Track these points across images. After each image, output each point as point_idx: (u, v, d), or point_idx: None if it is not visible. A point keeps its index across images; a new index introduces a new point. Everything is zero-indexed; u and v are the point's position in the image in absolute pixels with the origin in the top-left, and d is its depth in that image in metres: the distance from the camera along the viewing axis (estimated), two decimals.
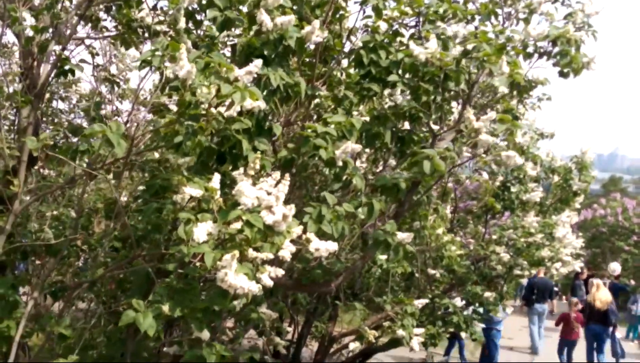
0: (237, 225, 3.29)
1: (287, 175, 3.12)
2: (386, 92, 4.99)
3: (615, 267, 14.60)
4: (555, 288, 14.96)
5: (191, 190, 3.30)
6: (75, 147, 3.84)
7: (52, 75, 4.38)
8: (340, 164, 3.95)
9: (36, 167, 6.19)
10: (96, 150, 3.74)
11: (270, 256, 3.24)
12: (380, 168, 6.24)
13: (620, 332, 13.07)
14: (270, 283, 3.30)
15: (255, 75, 3.46)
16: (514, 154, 4.29)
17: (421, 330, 5.84)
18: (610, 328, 11.64)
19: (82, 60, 4.56)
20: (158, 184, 3.58)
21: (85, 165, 4.12)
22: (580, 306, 11.88)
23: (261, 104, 3.53)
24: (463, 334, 8.36)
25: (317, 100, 4.88)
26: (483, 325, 10.25)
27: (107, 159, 3.96)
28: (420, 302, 6.05)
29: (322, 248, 3.17)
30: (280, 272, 3.43)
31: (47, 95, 5.88)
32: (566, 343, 11.81)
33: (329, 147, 3.92)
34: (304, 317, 8.65)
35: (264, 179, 3.29)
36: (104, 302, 4.84)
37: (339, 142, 4.04)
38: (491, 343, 10.90)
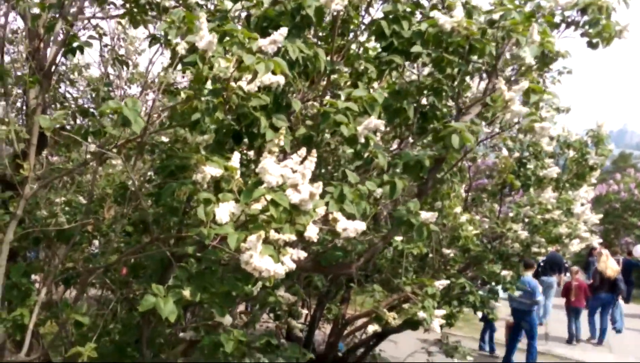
0: (259, 206, 3.13)
1: (313, 152, 2.93)
2: (406, 65, 4.78)
3: (638, 249, 14.61)
4: (566, 264, 14.84)
5: (211, 169, 3.12)
6: (86, 128, 3.67)
7: (60, 54, 4.20)
8: (362, 140, 3.76)
9: (44, 154, 6.01)
10: (108, 131, 3.58)
11: (293, 237, 3.07)
12: (395, 146, 6.05)
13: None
14: (292, 266, 3.13)
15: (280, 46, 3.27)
16: (548, 126, 4.10)
17: (442, 312, 5.68)
18: (615, 296, 12.19)
19: (91, 37, 4.37)
20: (174, 164, 3.40)
21: (95, 148, 3.95)
22: (580, 275, 12.12)
23: (280, 79, 3.33)
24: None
25: (334, 76, 4.67)
26: (523, 306, 10.07)
27: (119, 140, 3.79)
28: (441, 283, 5.88)
29: (350, 227, 2.99)
30: (302, 254, 3.27)
31: (55, 79, 5.69)
32: (572, 310, 11.92)
33: (351, 123, 3.73)
34: (315, 300, 8.52)
35: (289, 157, 3.11)
36: (119, 288, 4.69)
37: (360, 118, 3.85)
38: (532, 328, 10.28)
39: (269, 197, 2.91)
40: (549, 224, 8.46)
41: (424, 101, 4.79)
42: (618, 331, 12.46)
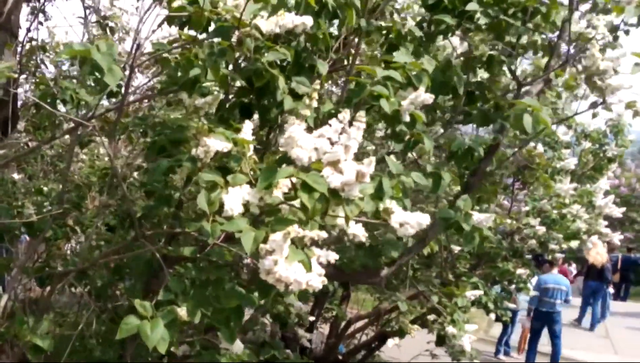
0: (279, 192, 2.22)
1: (361, 114, 2.01)
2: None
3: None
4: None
5: (215, 143, 2.20)
6: (52, 92, 2.74)
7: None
8: (407, 118, 2.84)
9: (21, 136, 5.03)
10: (82, 97, 2.65)
11: (323, 235, 2.16)
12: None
13: None
14: (321, 272, 2.24)
15: None
16: None
17: (474, 327, 4.81)
18: (605, 285, 12.26)
19: None
20: (167, 137, 2.46)
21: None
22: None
23: (307, 20, 2.41)
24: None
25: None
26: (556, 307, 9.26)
27: (97, 109, 2.85)
28: (472, 294, 5.01)
29: (411, 222, 2.07)
30: (333, 256, 2.36)
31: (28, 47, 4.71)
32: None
33: (392, 97, 2.82)
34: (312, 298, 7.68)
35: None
36: (98, 294, 3.74)
37: (402, 91, 2.94)
38: (554, 337, 9.45)
39: (300, 179, 1.99)
40: (566, 219, 7.63)
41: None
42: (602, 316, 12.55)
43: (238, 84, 2.90)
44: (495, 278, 7.82)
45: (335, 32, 3.33)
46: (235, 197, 2.01)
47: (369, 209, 2.10)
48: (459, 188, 4.49)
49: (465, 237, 3.04)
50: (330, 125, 2.06)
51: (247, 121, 2.36)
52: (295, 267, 1.94)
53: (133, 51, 2.42)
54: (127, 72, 2.74)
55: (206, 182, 2.11)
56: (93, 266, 3.20)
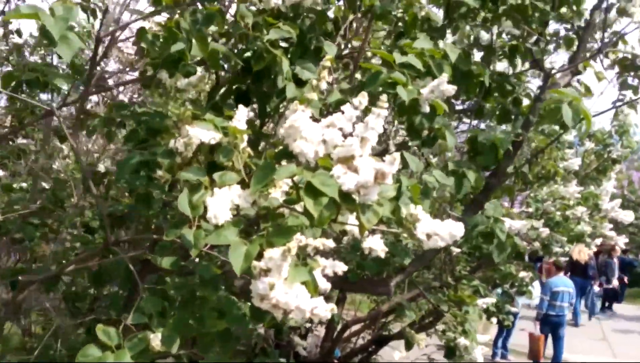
0: (278, 194, 1.78)
1: (384, 98, 1.56)
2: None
3: None
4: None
5: (200, 132, 1.75)
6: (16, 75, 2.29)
7: None
8: (426, 109, 2.40)
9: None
10: (51, 81, 2.20)
11: (330, 244, 1.72)
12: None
13: None
14: (327, 287, 1.81)
15: None
16: None
17: (487, 338, 4.38)
18: (591, 282, 12.38)
19: None
20: (146, 126, 2.01)
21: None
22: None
23: None
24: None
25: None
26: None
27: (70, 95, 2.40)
28: (484, 302, 4.58)
29: (441, 232, 1.63)
30: (340, 267, 1.93)
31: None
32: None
33: (410, 85, 2.38)
34: None
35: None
36: (74, 302, 3.29)
37: (419, 81, 2.51)
38: (558, 339, 9.04)
39: (303, 179, 1.55)
40: (570, 221, 7.23)
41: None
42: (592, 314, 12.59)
43: (230, 69, 2.46)
44: (496, 282, 7.43)
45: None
46: (222, 201, 1.56)
47: (388, 216, 1.65)
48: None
49: (498, 247, 2.62)
50: (342, 112, 1.61)
51: (241, 106, 1.91)
52: (296, 291, 1.50)
53: (100, 18, 1.96)
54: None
55: (185, 181, 1.66)
56: (63, 271, 2.72)
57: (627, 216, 7.09)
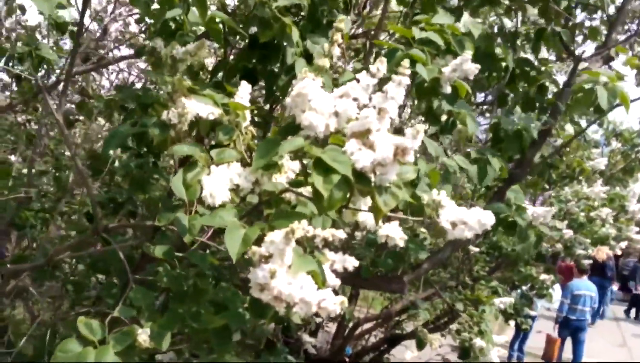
0: (282, 176, 1.59)
1: (405, 64, 1.36)
2: None
3: None
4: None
5: (196, 105, 1.56)
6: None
7: None
8: (448, 89, 2.20)
9: None
10: (44, 55, 2.03)
11: (340, 235, 1.53)
12: None
13: None
14: (336, 282, 1.62)
15: None
16: None
17: (503, 339, 4.16)
18: (609, 282, 12.08)
19: None
20: (138, 100, 1.82)
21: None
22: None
23: None
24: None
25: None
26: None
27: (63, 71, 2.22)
28: (502, 301, 4.36)
29: (469, 221, 1.42)
30: (351, 261, 1.75)
31: None
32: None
33: (430, 63, 2.17)
34: None
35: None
36: (75, 290, 3.12)
37: (439, 59, 2.30)
38: (578, 343, 8.79)
39: (312, 156, 1.35)
40: (594, 223, 6.94)
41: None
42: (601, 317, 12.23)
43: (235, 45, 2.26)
44: (514, 283, 7.18)
45: None
46: (219, 180, 1.37)
47: (407, 200, 1.44)
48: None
49: (519, 234, 2.40)
50: (357, 80, 1.41)
51: (244, 82, 1.72)
52: (301, 281, 1.30)
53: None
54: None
55: (180, 159, 1.47)
56: (52, 260, 2.54)
57: None
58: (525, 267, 6.77)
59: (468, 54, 2.12)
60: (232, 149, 1.54)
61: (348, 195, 1.40)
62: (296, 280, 1.29)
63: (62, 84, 2.16)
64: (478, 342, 3.92)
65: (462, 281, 6.08)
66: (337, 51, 1.66)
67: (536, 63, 3.43)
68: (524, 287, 7.00)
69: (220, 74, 2.37)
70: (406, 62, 1.33)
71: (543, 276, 6.70)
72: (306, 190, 1.53)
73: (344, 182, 1.34)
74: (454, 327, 4.50)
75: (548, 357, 8.61)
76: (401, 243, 1.43)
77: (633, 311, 13.29)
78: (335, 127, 1.40)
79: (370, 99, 1.40)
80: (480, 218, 1.41)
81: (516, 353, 9.73)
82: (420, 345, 4.46)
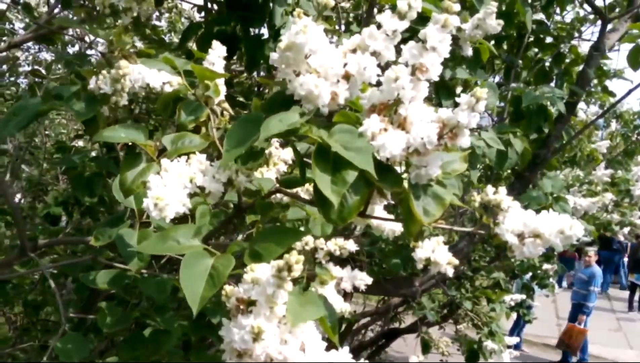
0: (272, 175, 1.10)
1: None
2: None
3: None
4: None
5: (144, 70, 1.06)
6: None
7: None
8: (469, 51, 1.73)
9: None
10: None
11: (351, 248, 1.05)
12: None
13: None
14: (346, 308, 1.15)
15: None
16: None
17: (515, 340, 3.73)
18: (618, 255, 12.17)
19: None
20: (72, 70, 1.30)
21: None
22: None
23: None
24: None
25: None
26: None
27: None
28: (513, 299, 3.94)
29: (546, 232, 0.92)
30: (364, 278, 1.28)
31: None
32: (562, 261, 10.74)
33: None
34: None
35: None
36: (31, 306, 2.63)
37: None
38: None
39: (307, 147, 0.86)
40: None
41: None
42: (622, 287, 12.21)
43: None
44: (514, 272, 6.78)
45: None
46: (172, 180, 0.87)
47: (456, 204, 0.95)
48: None
49: None
50: (379, 26, 0.90)
51: (216, 43, 1.22)
52: (302, 336, 0.80)
53: None
54: None
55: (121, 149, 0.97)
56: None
57: None
58: None
59: (493, 5, 1.66)
60: (195, 135, 1.04)
61: (368, 199, 0.91)
62: (294, 336, 0.80)
63: None
64: (489, 344, 3.48)
65: (462, 272, 5.66)
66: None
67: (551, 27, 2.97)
68: (525, 277, 6.63)
69: (192, 43, 1.87)
70: None
71: (546, 266, 6.28)
72: (305, 191, 1.04)
73: (362, 180, 0.84)
74: (461, 326, 4.06)
75: (572, 349, 8.23)
76: (450, 272, 0.95)
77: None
78: (346, 97, 0.90)
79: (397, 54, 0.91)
80: (562, 226, 0.92)
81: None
82: (426, 349, 4.03)
